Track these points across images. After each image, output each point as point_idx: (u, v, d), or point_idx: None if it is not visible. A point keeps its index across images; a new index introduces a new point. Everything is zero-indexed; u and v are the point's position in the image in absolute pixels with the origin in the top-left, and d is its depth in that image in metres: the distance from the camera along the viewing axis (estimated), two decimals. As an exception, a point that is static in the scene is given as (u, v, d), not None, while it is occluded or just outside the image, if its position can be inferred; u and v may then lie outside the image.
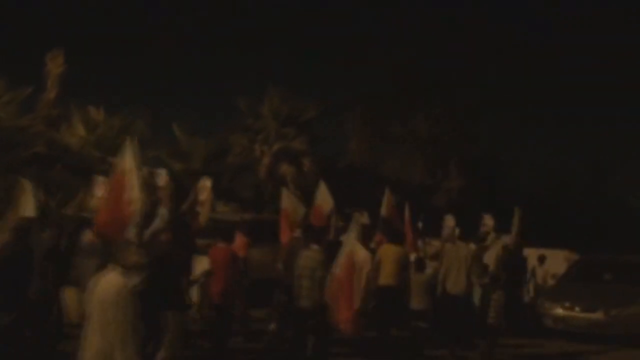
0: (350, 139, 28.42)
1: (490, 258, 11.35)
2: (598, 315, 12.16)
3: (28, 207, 7.21)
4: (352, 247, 8.30)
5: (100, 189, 8.93)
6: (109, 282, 5.16)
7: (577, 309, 12.37)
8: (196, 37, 50.19)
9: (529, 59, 47.21)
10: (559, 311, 12.53)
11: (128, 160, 7.97)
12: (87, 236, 8.13)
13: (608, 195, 33.42)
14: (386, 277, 9.50)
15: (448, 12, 48.02)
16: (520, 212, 12.59)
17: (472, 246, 10.92)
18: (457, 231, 11.47)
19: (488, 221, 12.12)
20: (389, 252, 9.75)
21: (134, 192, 7.80)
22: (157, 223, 8.07)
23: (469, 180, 26.25)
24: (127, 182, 7.86)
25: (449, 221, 11.65)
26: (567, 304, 12.50)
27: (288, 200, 10.79)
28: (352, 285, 8.10)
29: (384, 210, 11.49)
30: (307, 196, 21.37)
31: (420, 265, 10.19)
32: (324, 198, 10.88)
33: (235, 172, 21.39)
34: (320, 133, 24.50)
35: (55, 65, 18.00)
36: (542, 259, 14.62)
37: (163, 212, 8.34)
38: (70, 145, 17.77)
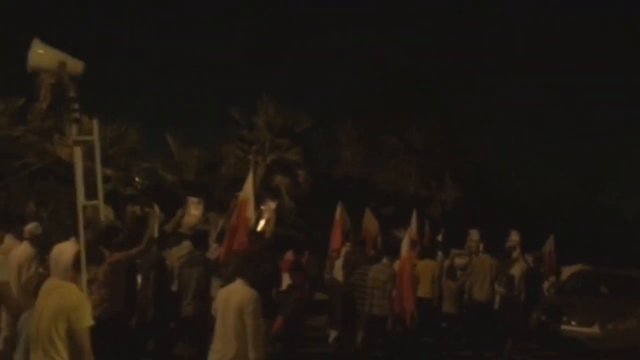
0: (344, 150, 28.36)
1: (516, 271, 12.36)
2: (594, 329, 12.05)
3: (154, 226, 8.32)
4: (407, 255, 9.60)
5: (195, 209, 9.93)
6: (245, 292, 5.82)
7: (573, 322, 12.26)
8: (190, 47, 50.24)
9: (523, 70, 47.44)
10: (555, 325, 12.42)
11: (248, 189, 9.53)
12: (186, 249, 8.94)
13: (602, 206, 33.42)
14: (425, 290, 10.66)
15: (442, 21, 48.22)
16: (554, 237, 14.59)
17: (494, 259, 11.93)
18: (481, 245, 12.55)
19: (514, 237, 13.10)
20: (427, 267, 10.91)
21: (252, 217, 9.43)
22: None
23: (463, 192, 26.21)
24: (249, 207, 9.41)
25: (474, 235, 12.68)
26: (563, 318, 12.39)
27: (341, 215, 12.46)
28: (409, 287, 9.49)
29: (412, 233, 12.82)
30: (301, 207, 21.37)
31: (452, 274, 11.39)
32: (371, 223, 12.90)
33: (229, 183, 21.28)
34: (314, 144, 24.42)
35: (48, 75, 17.89)
36: (559, 273, 14.92)
37: None
38: (62, 155, 17.66)
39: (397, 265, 9.69)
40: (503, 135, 44.00)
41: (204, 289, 8.00)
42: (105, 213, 16.99)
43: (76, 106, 5.57)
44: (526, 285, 12.47)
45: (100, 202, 5.92)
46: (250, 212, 9.39)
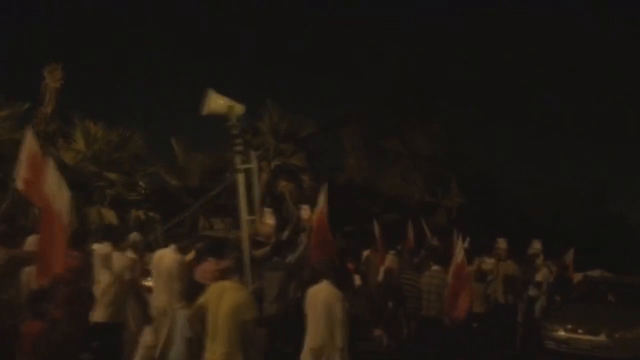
0: (348, 155, 28.28)
1: (540, 277, 13.61)
2: (601, 337, 11.94)
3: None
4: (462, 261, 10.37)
5: (269, 218, 10.65)
6: (331, 291, 6.80)
7: (580, 331, 12.15)
8: (195, 52, 50.28)
9: (528, 76, 47.38)
10: (562, 333, 12.31)
11: (323, 199, 10.48)
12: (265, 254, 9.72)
13: (607, 214, 33.31)
14: None
15: (445, 27, 48.21)
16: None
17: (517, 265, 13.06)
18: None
19: (536, 245, 14.19)
20: None
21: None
22: (301, 248, 9.91)
23: (468, 198, 26.10)
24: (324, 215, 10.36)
25: (502, 243, 13.31)
26: (570, 326, 12.28)
27: (379, 231, 13.68)
28: (463, 287, 10.18)
29: (435, 240, 14.13)
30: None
31: (481, 277, 12.07)
32: (412, 233, 14.63)
33: (233, 188, 21.19)
34: (319, 149, 24.37)
35: (53, 80, 17.89)
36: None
37: (305, 240, 10.26)
38: (67, 160, 17.60)
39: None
40: (508, 142, 43.99)
41: (285, 291, 9.06)
42: (108, 217, 17.02)
43: (240, 141, 7.25)
44: (556, 290, 13.63)
45: (257, 217, 7.28)
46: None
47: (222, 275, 7.53)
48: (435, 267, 10.35)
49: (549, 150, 47.65)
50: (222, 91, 7.84)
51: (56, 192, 7.24)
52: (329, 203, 12.84)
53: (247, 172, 7.94)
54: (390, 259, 12.56)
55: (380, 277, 12.25)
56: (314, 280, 7.46)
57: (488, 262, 12.61)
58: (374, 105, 28.79)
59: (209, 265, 8.34)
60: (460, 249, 10.46)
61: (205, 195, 20.51)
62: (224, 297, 5.93)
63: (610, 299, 13.48)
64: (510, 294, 12.64)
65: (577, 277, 15.37)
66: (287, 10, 50.54)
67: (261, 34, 51.77)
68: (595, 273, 15.87)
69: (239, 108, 7.31)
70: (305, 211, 11.31)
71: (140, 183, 19.17)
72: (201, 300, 6.16)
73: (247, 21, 53.25)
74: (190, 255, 9.09)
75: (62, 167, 17.67)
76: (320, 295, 6.83)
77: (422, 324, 10.35)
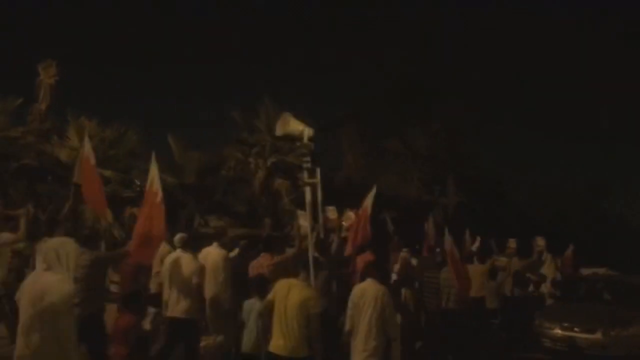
0: (346, 153, 28.21)
1: (547, 272, 14.33)
2: (597, 335, 11.89)
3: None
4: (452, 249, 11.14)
5: (304, 220, 10.85)
6: (378, 288, 7.29)
7: (576, 329, 12.10)
8: (192, 50, 50.23)
9: (528, 76, 47.38)
10: (558, 331, 12.26)
11: (370, 199, 11.03)
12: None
13: (607, 213, 33.27)
14: (477, 291, 11.90)
15: (445, 27, 48.16)
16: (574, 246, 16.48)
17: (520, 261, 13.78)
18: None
19: (540, 242, 14.65)
20: (477, 270, 12.18)
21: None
22: (334, 246, 10.34)
23: (467, 198, 26.03)
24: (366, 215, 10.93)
25: (512, 243, 14.17)
26: (566, 324, 12.24)
27: (393, 229, 14.18)
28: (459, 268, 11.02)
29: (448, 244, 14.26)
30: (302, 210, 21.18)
31: (493, 274, 12.67)
32: (431, 229, 14.84)
33: (229, 185, 21.13)
34: (316, 148, 24.27)
35: (47, 76, 17.81)
36: None
37: (334, 239, 10.74)
38: (61, 157, 17.54)
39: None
40: (509, 142, 43.95)
41: (328, 287, 9.57)
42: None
43: (308, 159, 8.01)
44: (566, 287, 14.12)
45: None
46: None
47: (277, 268, 8.59)
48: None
49: (550, 150, 47.68)
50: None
51: (158, 183, 8.16)
52: (329, 203, 12.99)
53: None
54: (404, 256, 12.88)
55: (397, 268, 12.63)
56: (360, 279, 8.04)
57: (501, 260, 13.39)
58: (374, 105, 28.73)
59: (264, 260, 9.28)
60: (448, 240, 11.14)
61: (202, 193, 20.56)
62: (291, 292, 6.64)
63: (606, 297, 13.45)
64: (520, 288, 13.19)
65: (585, 272, 15.72)
66: (287, 10, 50.54)
67: (261, 34, 51.73)
68: (601, 271, 16.08)
69: (309, 131, 8.17)
70: (331, 212, 11.82)
71: (136, 181, 19.07)
72: (270, 295, 6.86)
73: (246, 21, 53.22)
74: (234, 252, 9.99)
75: (57, 164, 17.63)
76: (368, 293, 7.31)
77: (446, 316, 11.04)
